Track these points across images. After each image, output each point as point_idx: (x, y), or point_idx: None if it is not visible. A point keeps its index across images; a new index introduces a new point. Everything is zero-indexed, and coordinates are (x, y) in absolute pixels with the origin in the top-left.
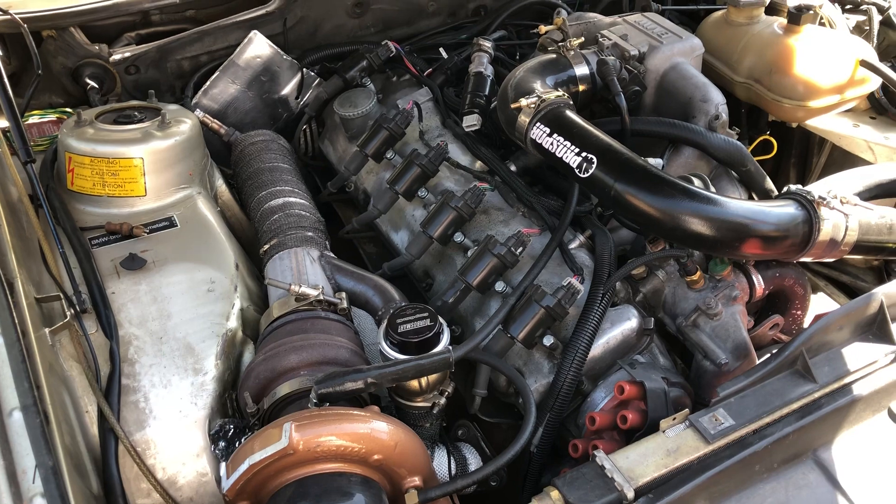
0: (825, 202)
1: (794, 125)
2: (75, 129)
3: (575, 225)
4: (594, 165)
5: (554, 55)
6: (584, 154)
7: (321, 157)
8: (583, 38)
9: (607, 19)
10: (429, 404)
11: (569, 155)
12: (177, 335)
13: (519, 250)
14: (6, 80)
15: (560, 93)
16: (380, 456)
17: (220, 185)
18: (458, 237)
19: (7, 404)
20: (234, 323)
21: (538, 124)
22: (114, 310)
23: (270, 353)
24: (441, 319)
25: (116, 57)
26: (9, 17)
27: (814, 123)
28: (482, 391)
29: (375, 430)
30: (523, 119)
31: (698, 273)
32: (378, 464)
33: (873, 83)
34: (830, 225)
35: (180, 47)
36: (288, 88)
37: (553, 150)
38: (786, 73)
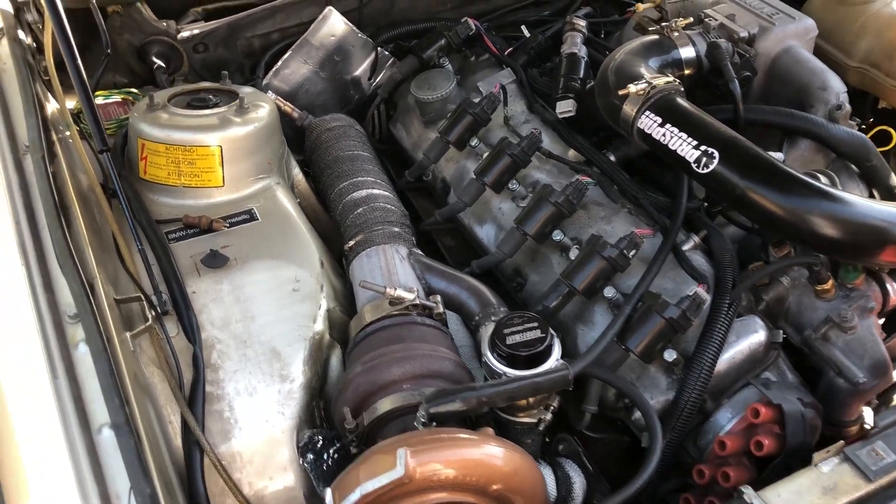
0: None
1: None
2: (148, 114)
3: (684, 224)
4: (716, 160)
5: (657, 36)
6: (703, 147)
7: (390, 141)
8: (691, 19)
9: None
10: (534, 420)
11: (685, 148)
12: (261, 338)
13: (632, 253)
14: (80, 62)
15: (670, 78)
16: (499, 486)
17: (297, 173)
18: (557, 235)
19: (95, 420)
20: (320, 326)
21: (647, 113)
22: (195, 311)
23: (370, 364)
24: (552, 331)
25: (185, 34)
26: None
27: None
28: (593, 408)
29: (494, 457)
30: (630, 107)
31: (830, 281)
32: (496, 493)
33: None
34: None
35: (251, 24)
36: (361, 68)
37: (665, 142)
38: None
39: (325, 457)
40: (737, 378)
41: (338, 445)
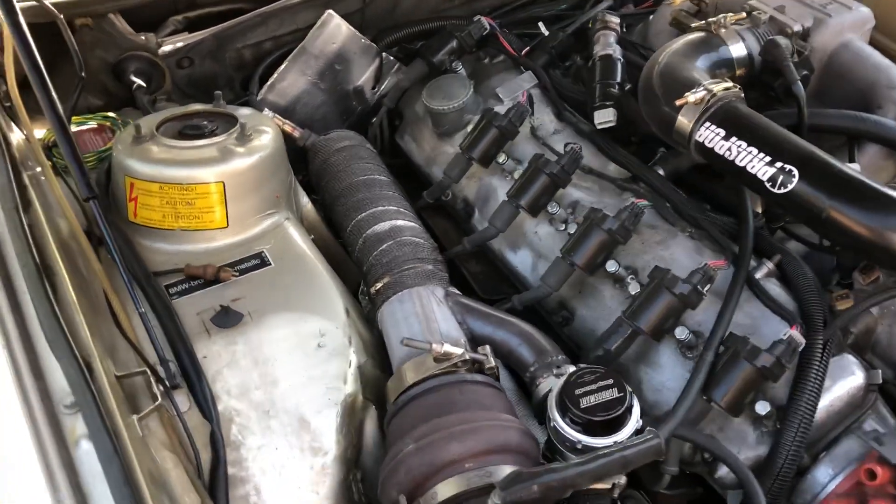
0: None
1: None
2: (136, 148)
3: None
4: (795, 179)
5: (703, 33)
6: (778, 164)
7: (394, 154)
8: (742, 14)
9: None
10: (608, 486)
11: (756, 164)
12: (287, 406)
13: (706, 288)
14: (52, 89)
15: (730, 84)
16: None
17: (306, 202)
18: (612, 266)
19: None
20: (352, 386)
21: (708, 124)
22: (208, 379)
23: (424, 441)
24: (629, 388)
25: (167, 48)
26: (35, 2)
27: None
28: (674, 469)
29: None
30: (686, 117)
31: None
32: None
33: None
34: None
35: (241, 34)
36: (364, 77)
37: (731, 158)
38: None
39: None
40: (833, 428)
41: None
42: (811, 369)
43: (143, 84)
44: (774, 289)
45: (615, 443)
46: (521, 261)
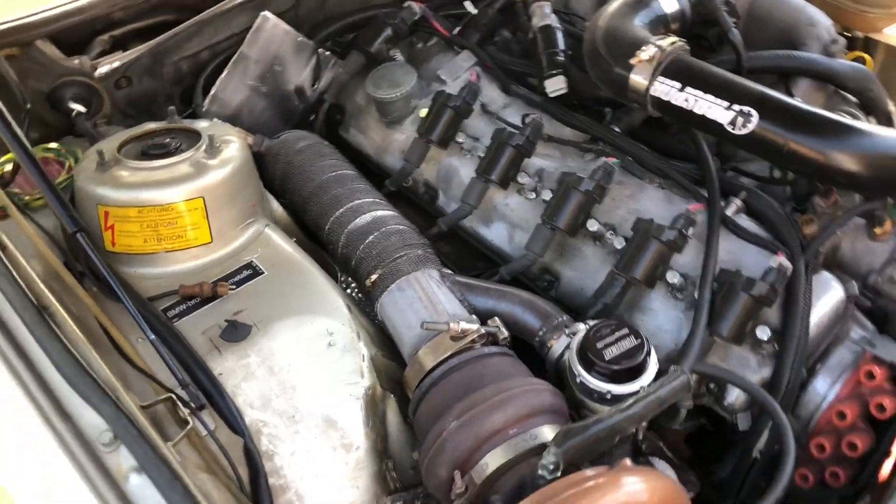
0: None
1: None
2: (104, 174)
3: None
4: (755, 119)
5: None
6: (737, 107)
7: (341, 149)
8: None
9: None
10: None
11: (715, 110)
12: (310, 409)
13: (690, 231)
14: (15, 126)
15: (675, 38)
16: None
17: (277, 207)
18: (593, 225)
19: None
20: (369, 379)
21: (662, 79)
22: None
23: (466, 416)
24: (644, 335)
25: (103, 69)
26: None
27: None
28: (690, 403)
29: (653, 494)
30: (640, 75)
31: (888, 222)
32: None
33: None
34: None
35: (176, 46)
36: (303, 75)
37: (690, 107)
38: None
39: None
40: (823, 341)
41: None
42: (799, 290)
43: (83, 110)
44: (747, 223)
45: (642, 387)
46: (496, 234)
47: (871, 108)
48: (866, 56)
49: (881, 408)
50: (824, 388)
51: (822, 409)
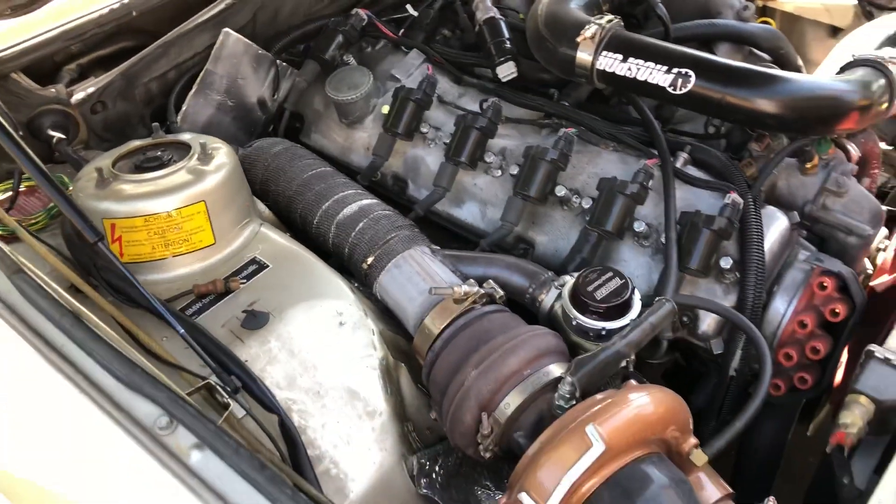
0: (895, 61)
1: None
2: (105, 190)
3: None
4: (692, 79)
5: None
6: (675, 70)
7: None
8: None
9: None
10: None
11: (656, 75)
12: (333, 384)
13: (650, 183)
14: (24, 145)
15: (611, 16)
16: (673, 427)
17: (264, 209)
18: (560, 190)
19: None
20: (381, 350)
21: (606, 53)
22: None
23: (483, 364)
24: (627, 275)
25: (79, 96)
26: None
27: None
28: (670, 334)
29: (661, 404)
30: (584, 52)
31: (816, 157)
32: (671, 437)
33: None
34: None
35: (146, 68)
36: (264, 86)
37: (633, 75)
38: None
39: (434, 476)
40: (775, 265)
41: (441, 459)
42: (752, 222)
43: (63, 136)
44: (695, 172)
45: (631, 320)
46: (469, 213)
47: (784, 64)
48: (770, 20)
49: (834, 312)
50: (783, 306)
51: (783, 323)
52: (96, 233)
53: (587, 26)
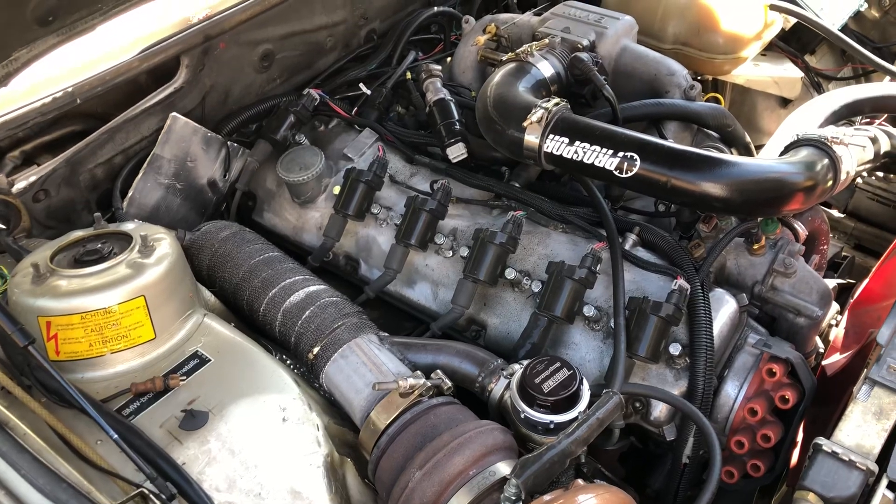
0: (837, 140)
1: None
2: (40, 287)
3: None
4: (638, 162)
5: (515, 63)
6: (621, 154)
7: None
8: (546, 41)
9: (530, 17)
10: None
11: (602, 158)
12: (275, 485)
13: (598, 268)
14: None
15: (558, 99)
16: None
17: (209, 297)
18: (510, 273)
19: None
20: (326, 447)
21: (552, 136)
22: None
23: (428, 464)
24: (575, 366)
25: (21, 184)
26: None
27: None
28: (622, 423)
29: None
30: (532, 135)
31: (763, 238)
32: None
33: (779, 23)
34: (847, 162)
35: (91, 154)
36: (215, 167)
37: (579, 158)
38: (715, 31)
39: None
40: (725, 349)
41: None
42: (700, 307)
43: (3, 226)
44: (644, 254)
45: (580, 413)
46: (420, 294)
47: (731, 141)
48: (719, 96)
49: (784, 399)
50: (734, 391)
51: (734, 409)
52: (27, 336)
53: (534, 110)
